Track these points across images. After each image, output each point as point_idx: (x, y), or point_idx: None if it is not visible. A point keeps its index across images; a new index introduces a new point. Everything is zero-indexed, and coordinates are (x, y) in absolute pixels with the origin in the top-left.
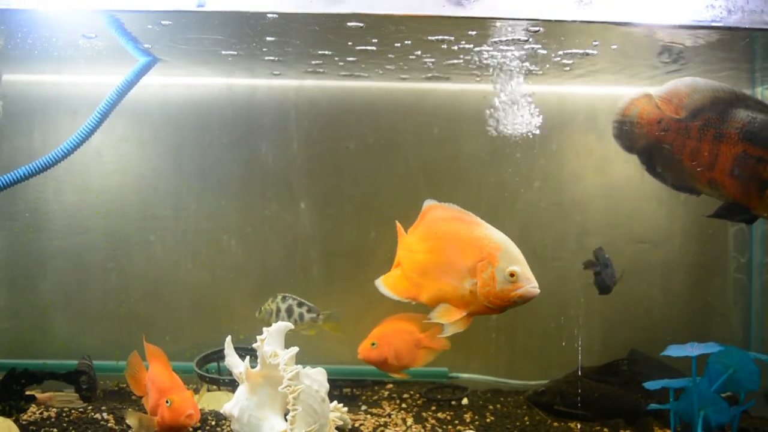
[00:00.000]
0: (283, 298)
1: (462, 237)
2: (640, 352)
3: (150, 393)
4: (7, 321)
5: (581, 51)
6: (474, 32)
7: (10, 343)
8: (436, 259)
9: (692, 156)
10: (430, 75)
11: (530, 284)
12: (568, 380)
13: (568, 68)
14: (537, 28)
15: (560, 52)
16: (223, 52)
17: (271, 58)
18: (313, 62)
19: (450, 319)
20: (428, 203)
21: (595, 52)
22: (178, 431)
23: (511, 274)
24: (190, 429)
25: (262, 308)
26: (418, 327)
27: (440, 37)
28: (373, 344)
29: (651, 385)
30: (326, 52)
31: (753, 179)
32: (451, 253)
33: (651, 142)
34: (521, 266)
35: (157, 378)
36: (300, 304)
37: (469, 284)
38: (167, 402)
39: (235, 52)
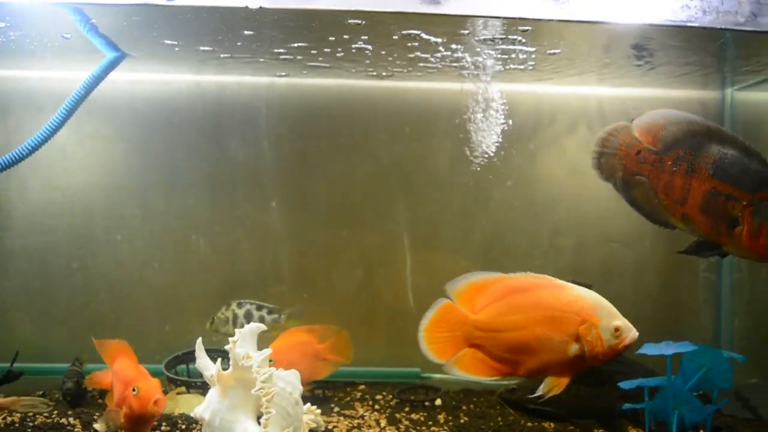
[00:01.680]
0: (239, 304)
1: (553, 305)
2: None
3: (115, 386)
4: None
5: (554, 50)
6: (448, 30)
7: None
8: (530, 334)
9: (666, 190)
10: (403, 73)
11: (632, 331)
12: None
13: (540, 68)
14: (509, 26)
15: (532, 51)
16: (196, 49)
17: (244, 55)
18: (284, 59)
19: (560, 389)
20: (476, 277)
21: (568, 51)
22: (146, 421)
23: (616, 329)
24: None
25: (215, 318)
26: (315, 338)
27: (413, 33)
28: (270, 360)
29: (626, 384)
30: (301, 46)
31: (722, 216)
32: (547, 324)
33: (629, 174)
34: (620, 317)
35: (122, 370)
36: (259, 308)
37: (573, 349)
38: (133, 390)
39: (209, 48)
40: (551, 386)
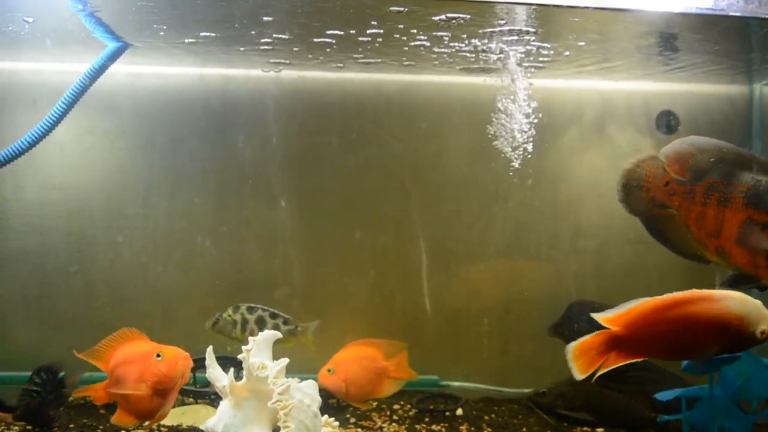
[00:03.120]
0: (250, 309)
1: (698, 318)
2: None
3: (125, 371)
4: None
5: (576, 42)
6: (467, 16)
7: None
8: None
9: (698, 222)
10: (417, 66)
11: None
12: (571, 382)
13: (560, 61)
14: (535, 16)
15: (554, 43)
16: (200, 37)
17: (252, 45)
18: (295, 49)
19: None
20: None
21: (589, 44)
22: (175, 386)
23: (762, 333)
24: None
25: (219, 318)
26: (381, 354)
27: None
28: (329, 370)
29: (664, 395)
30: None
31: (759, 247)
32: (691, 337)
33: (657, 207)
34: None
35: (132, 351)
36: (273, 315)
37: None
38: (158, 356)
39: (213, 34)
40: None
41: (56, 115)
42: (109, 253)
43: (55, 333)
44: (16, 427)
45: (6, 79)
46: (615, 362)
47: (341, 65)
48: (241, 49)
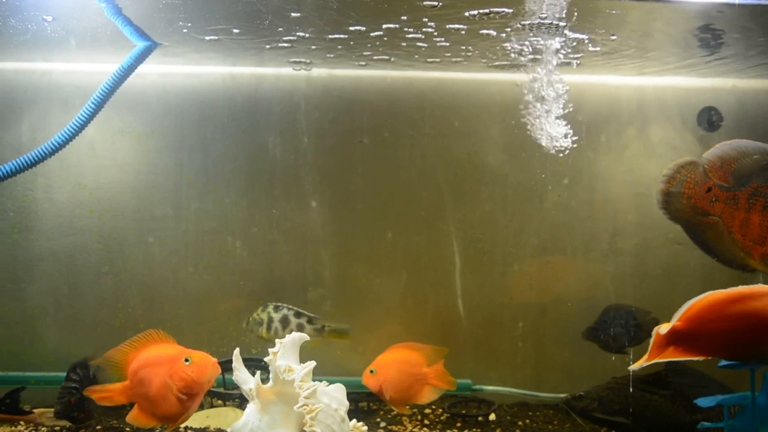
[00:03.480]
0: (276, 308)
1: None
2: (676, 371)
3: (150, 375)
4: None
5: (613, 36)
6: (501, 11)
7: None
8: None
9: (742, 229)
10: (450, 62)
11: None
12: (609, 386)
13: (598, 56)
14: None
15: (592, 38)
16: (232, 34)
17: (283, 44)
18: (327, 46)
19: None
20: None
21: (626, 38)
22: (202, 391)
23: None
24: None
25: (250, 318)
26: (424, 360)
27: (471, 14)
28: (371, 371)
29: (705, 402)
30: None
31: None
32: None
33: (699, 214)
34: None
35: (159, 351)
36: (298, 314)
37: None
38: (186, 360)
39: (243, 36)
40: None
41: (85, 116)
42: (139, 254)
43: (85, 333)
44: (44, 427)
45: (39, 79)
46: (672, 356)
47: (370, 62)
48: (267, 47)
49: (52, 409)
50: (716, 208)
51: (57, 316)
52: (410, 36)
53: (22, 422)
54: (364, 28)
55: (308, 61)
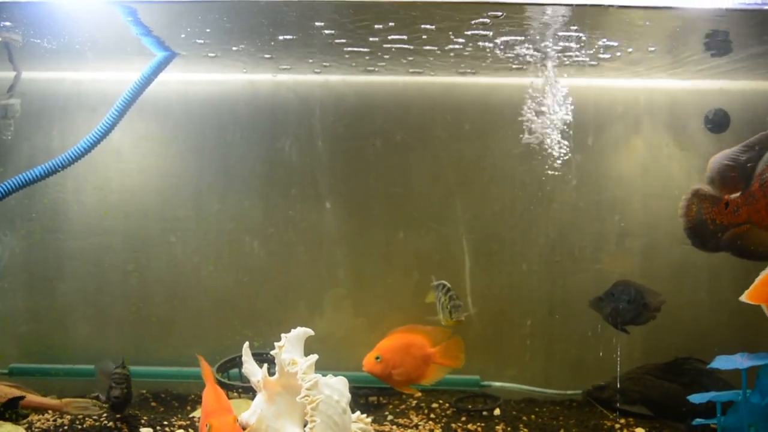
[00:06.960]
0: (443, 288)
1: None
2: (692, 359)
3: (201, 414)
4: (24, 324)
5: (620, 41)
6: (504, 15)
7: (28, 347)
8: None
9: None
10: (460, 68)
11: None
12: (629, 376)
13: (606, 60)
14: (573, 15)
15: (599, 43)
16: (242, 47)
17: (301, 50)
18: (344, 51)
19: None
20: None
21: (634, 42)
22: None
23: None
24: None
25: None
26: (428, 341)
27: (477, 21)
28: (377, 358)
29: (696, 398)
30: (350, 44)
31: None
32: None
33: (731, 228)
34: None
35: (205, 399)
36: (450, 298)
37: None
38: (207, 427)
39: (251, 47)
40: None
41: (109, 122)
42: (162, 253)
43: (112, 328)
44: (68, 416)
45: (68, 88)
46: None
47: (381, 68)
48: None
49: (79, 399)
50: (742, 215)
51: (85, 312)
52: (423, 38)
53: (49, 410)
54: (379, 36)
55: (327, 64)
